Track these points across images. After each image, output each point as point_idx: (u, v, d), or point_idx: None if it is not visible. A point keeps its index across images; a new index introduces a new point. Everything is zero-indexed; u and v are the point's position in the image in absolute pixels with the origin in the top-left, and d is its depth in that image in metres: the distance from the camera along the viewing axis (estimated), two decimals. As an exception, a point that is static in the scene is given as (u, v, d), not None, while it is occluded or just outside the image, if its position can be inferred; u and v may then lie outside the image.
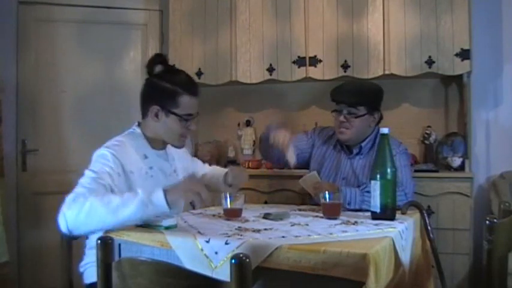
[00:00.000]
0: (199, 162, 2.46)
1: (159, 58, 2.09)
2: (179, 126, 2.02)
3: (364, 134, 2.50)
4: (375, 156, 2.03)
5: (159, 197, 1.71)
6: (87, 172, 1.90)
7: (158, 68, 2.07)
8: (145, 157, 2.05)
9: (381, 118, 2.56)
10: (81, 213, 1.70)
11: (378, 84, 2.62)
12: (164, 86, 2.01)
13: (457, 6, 3.15)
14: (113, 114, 3.72)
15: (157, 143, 2.11)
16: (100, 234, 1.62)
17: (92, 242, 2.02)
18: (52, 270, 3.19)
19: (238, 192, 2.08)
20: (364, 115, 2.46)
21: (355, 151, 2.51)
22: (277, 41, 3.53)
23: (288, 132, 2.34)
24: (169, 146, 2.19)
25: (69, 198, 1.77)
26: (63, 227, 1.75)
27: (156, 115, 2.02)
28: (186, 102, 2.01)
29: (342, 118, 2.47)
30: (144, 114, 2.07)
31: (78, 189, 1.81)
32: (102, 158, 1.92)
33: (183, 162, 2.28)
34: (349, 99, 2.47)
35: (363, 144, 2.49)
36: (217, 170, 2.42)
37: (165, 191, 1.72)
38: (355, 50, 3.35)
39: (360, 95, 2.48)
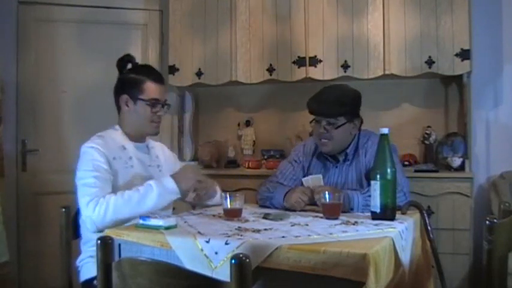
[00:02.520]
0: None
1: (128, 57, 2.29)
2: (147, 111, 2.18)
3: (347, 142, 2.41)
4: (374, 156, 2.02)
5: (172, 186, 1.99)
6: (83, 173, 2.02)
7: (128, 67, 2.28)
8: (124, 148, 2.17)
9: (361, 123, 2.46)
10: (107, 214, 1.91)
11: (355, 89, 2.49)
12: (130, 77, 2.22)
13: (457, 6, 3.15)
14: (112, 114, 3.69)
15: (135, 135, 2.24)
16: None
17: (86, 236, 2.06)
18: (52, 270, 3.18)
19: (238, 192, 2.09)
20: (343, 124, 2.36)
21: (341, 158, 2.43)
22: (277, 41, 3.53)
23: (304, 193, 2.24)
24: (153, 145, 2.32)
25: (86, 201, 1.94)
26: (91, 228, 1.94)
27: (127, 104, 2.20)
28: (150, 88, 2.18)
29: (321, 129, 2.38)
30: (118, 108, 2.25)
31: (89, 191, 1.96)
32: (89, 155, 2.05)
33: (171, 165, 2.35)
34: (328, 111, 2.35)
35: (348, 151, 2.42)
36: None
37: (176, 181, 2.00)
38: (355, 50, 3.35)
39: (339, 105, 2.35)
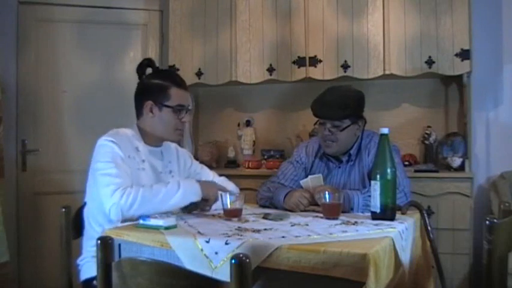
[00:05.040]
0: (208, 172, 2.45)
1: (148, 62, 2.23)
2: (173, 118, 2.14)
3: (351, 143, 2.41)
4: (375, 157, 2.02)
5: (196, 188, 2.01)
6: (103, 165, 1.99)
7: (148, 71, 2.23)
8: (137, 150, 2.13)
9: (364, 123, 2.45)
10: (135, 204, 1.89)
11: (358, 90, 2.49)
12: (155, 82, 2.16)
13: (457, 6, 3.15)
14: (113, 114, 3.72)
15: (152, 140, 2.19)
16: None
17: (89, 232, 2.05)
18: (52, 270, 3.19)
19: (238, 192, 2.09)
20: (348, 126, 2.36)
21: (344, 159, 2.44)
22: (277, 41, 3.53)
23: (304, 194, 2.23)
24: (168, 149, 2.27)
25: (112, 190, 1.91)
26: (116, 216, 1.89)
27: (151, 110, 2.14)
28: (176, 94, 2.14)
29: (326, 132, 2.38)
30: (139, 113, 2.19)
31: (113, 180, 1.94)
32: (108, 148, 2.02)
33: (185, 170, 2.33)
34: (332, 113, 2.35)
35: (351, 152, 2.42)
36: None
37: (201, 185, 2.03)
38: (355, 50, 3.35)
39: (343, 108, 2.34)
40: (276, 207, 2.28)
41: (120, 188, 1.90)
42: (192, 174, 2.33)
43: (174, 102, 2.13)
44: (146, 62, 2.22)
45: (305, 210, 2.18)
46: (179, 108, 2.14)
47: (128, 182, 1.96)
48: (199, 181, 2.07)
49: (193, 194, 2.01)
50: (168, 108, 2.12)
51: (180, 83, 2.19)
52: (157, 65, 2.28)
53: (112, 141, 2.03)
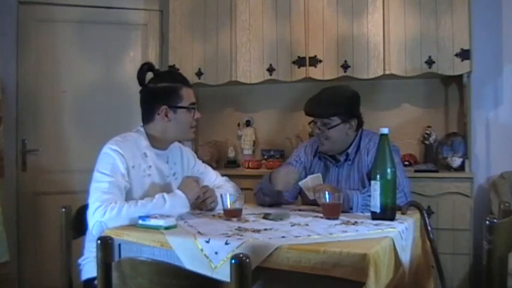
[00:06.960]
0: (211, 172, 2.44)
1: (148, 66, 2.21)
2: (188, 117, 2.16)
3: (346, 142, 2.42)
4: (374, 157, 2.03)
5: (184, 200, 1.99)
6: (99, 175, 1.98)
7: (148, 76, 2.20)
8: (145, 155, 2.12)
9: (361, 123, 2.46)
10: (120, 217, 1.87)
11: (353, 90, 2.49)
12: (163, 86, 2.15)
13: (457, 6, 3.15)
14: (113, 114, 3.72)
15: (160, 143, 2.17)
16: None
17: (92, 235, 2.04)
18: (52, 270, 3.18)
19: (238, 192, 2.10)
20: (338, 125, 2.37)
21: (342, 159, 2.44)
22: (277, 41, 3.53)
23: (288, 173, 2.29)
24: (173, 150, 2.25)
25: (95, 207, 1.89)
26: (98, 234, 1.82)
27: (166, 115, 2.12)
28: (186, 93, 2.17)
29: (316, 130, 2.41)
30: (150, 119, 2.16)
31: (102, 196, 1.92)
32: (110, 158, 2.00)
33: (189, 171, 2.32)
34: (319, 111, 2.38)
35: (349, 151, 2.42)
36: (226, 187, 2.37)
37: (185, 194, 2.00)
38: (355, 50, 3.35)
39: (330, 106, 2.36)
40: (269, 196, 2.29)
41: (103, 205, 1.89)
42: (195, 175, 2.31)
43: (187, 101, 2.15)
44: (147, 67, 2.20)
45: (305, 210, 2.19)
46: (192, 106, 2.17)
47: (117, 197, 1.94)
48: (180, 188, 2.04)
49: (182, 207, 1.99)
50: (182, 109, 2.14)
51: (187, 81, 2.22)
52: (157, 67, 2.27)
53: (116, 150, 2.01)
